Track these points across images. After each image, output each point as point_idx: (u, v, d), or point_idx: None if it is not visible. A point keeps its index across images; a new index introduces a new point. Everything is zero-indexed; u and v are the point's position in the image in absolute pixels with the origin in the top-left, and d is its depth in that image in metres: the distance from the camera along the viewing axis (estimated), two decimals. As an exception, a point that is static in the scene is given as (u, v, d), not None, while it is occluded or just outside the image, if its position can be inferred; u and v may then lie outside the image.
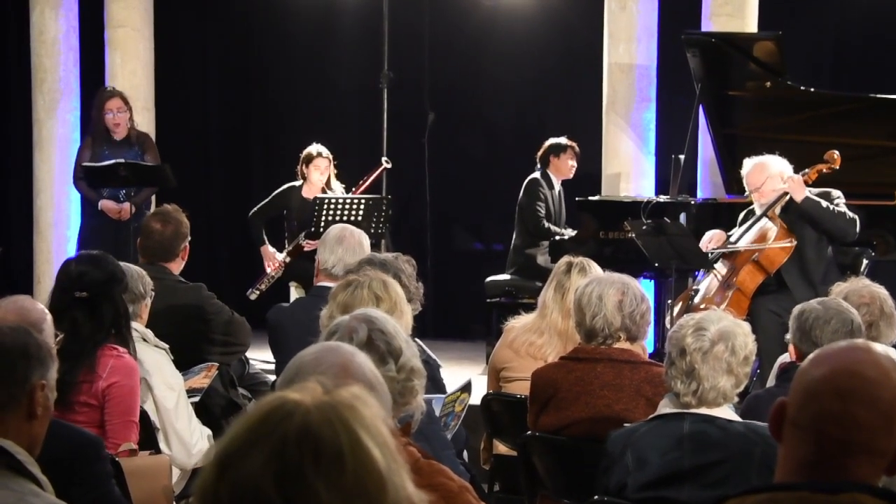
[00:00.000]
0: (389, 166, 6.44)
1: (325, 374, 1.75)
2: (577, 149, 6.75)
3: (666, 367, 2.68)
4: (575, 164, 6.76)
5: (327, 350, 1.85)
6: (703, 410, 2.63)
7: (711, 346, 2.59)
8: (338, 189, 6.37)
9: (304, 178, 6.39)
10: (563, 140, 6.75)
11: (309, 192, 6.36)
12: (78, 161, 6.61)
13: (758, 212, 5.23)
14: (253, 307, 5.56)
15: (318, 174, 6.32)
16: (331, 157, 6.37)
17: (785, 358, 3.35)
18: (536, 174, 6.72)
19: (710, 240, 5.35)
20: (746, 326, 2.70)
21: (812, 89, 5.99)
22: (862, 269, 5.42)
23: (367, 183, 6.43)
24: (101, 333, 3.18)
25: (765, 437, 2.52)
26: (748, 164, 5.20)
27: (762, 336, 4.84)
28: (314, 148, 6.39)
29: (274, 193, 6.49)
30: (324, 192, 6.34)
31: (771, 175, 5.12)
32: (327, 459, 1.08)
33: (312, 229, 5.97)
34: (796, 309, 3.15)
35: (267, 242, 6.43)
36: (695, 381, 2.60)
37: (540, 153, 6.76)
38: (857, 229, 5.06)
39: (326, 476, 1.07)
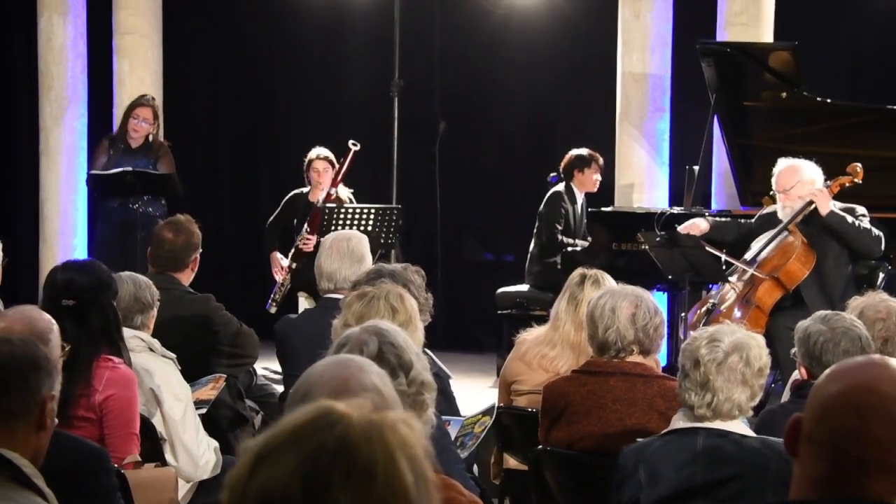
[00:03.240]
0: (358, 148, 6.38)
1: (324, 386, 1.73)
2: (601, 161, 6.68)
3: (679, 380, 2.65)
4: (599, 178, 6.69)
5: (335, 363, 1.82)
6: (718, 424, 2.60)
7: (726, 358, 2.57)
8: (343, 193, 6.34)
9: (310, 183, 6.38)
10: (586, 152, 6.65)
11: (315, 196, 6.35)
12: (91, 165, 6.63)
13: (782, 216, 5.14)
14: (261, 318, 5.52)
15: (318, 177, 6.31)
16: (332, 158, 6.34)
17: (797, 375, 3.30)
18: (560, 187, 6.66)
19: (689, 227, 5.29)
20: (761, 339, 2.68)
21: (828, 100, 5.96)
22: (879, 282, 5.36)
23: (343, 170, 6.37)
24: (90, 344, 3.09)
25: (780, 453, 2.49)
26: (781, 164, 5.12)
27: (781, 352, 4.79)
28: (314, 151, 6.39)
29: (283, 202, 6.49)
30: (329, 196, 6.31)
31: (803, 180, 5.03)
32: (357, 475, 1.09)
33: (322, 238, 5.93)
34: (800, 329, 3.09)
35: (276, 250, 6.41)
36: (709, 392, 2.57)
37: (563, 165, 6.69)
38: (882, 247, 5.00)
39: (353, 491, 1.08)
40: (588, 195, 6.79)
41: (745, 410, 2.62)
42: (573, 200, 6.67)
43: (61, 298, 3.09)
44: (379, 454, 1.10)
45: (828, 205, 4.99)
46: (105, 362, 3.09)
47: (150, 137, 6.56)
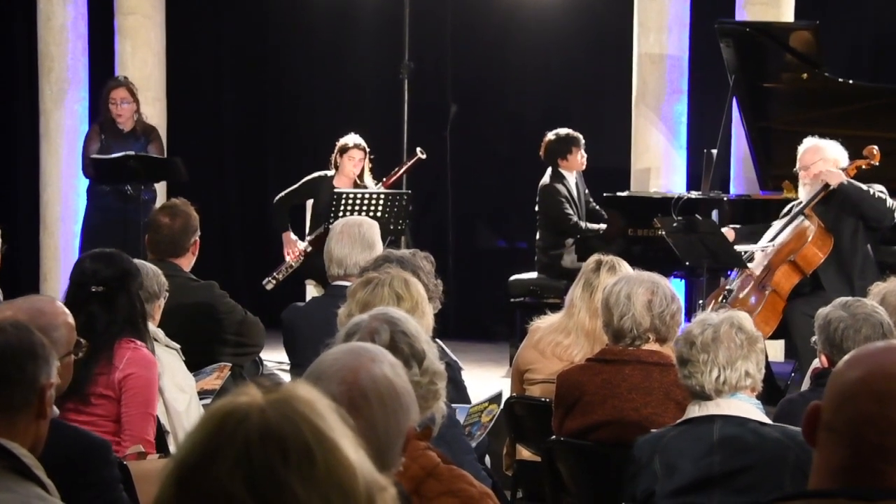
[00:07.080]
0: (424, 157, 6.31)
1: (334, 376, 1.69)
2: (580, 140, 6.44)
3: (680, 370, 2.62)
4: (584, 154, 6.50)
5: (347, 352, 1.77)
6: (733, 410, 2.57)
7: (718, 329, 2.59)
8: (370, 185, 6.26)
9: (337, 168, 6.28)
10: (563, 135, 6.41)
11: (340, 182, 6.25)
12: (86, 151, 6.53)
13: (803, 195, 5.15)
14: (268, 306, 5.43)
15: (352, 165, 6.22)
16: (367, 149, 6.26)
17: (818, 363, 3.25)
18: (546, 178, 6.47)
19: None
20: (747, 314, 2.73)
21: (850, 81, 5.87)
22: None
23: (400, 173, 6.31)
24: (115, 326, 3.15)
25: (799, 442, 2.47)
26: (807, 143, 5.18)
27: (799, 340, 4.78)
28: (350, 138, 6.28)
29: (303, 180, 6.38)
30: (355, 184, 6.23)
31: (825, 158, 5.09)
32: (295, 455, 1.07)
33: (331, 224, 5.87)
34: (820, 316, 3.06)
35: (290, 229, 6.33)
36: (715, 367, 2.57)
37: (543, 154, 6.45)
38: (895, 217, 5.04)
39: (298, 472, 1.07)
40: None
41: (756, 381, 2.61)
42: (561, 180, 6.44)
43: (90, 286, 3.17)
44: (304, 428, 1.09)
45: (839, 178, 5.02)
46: (128, 343, 3.15)
47: (136, 118, 6.44)
